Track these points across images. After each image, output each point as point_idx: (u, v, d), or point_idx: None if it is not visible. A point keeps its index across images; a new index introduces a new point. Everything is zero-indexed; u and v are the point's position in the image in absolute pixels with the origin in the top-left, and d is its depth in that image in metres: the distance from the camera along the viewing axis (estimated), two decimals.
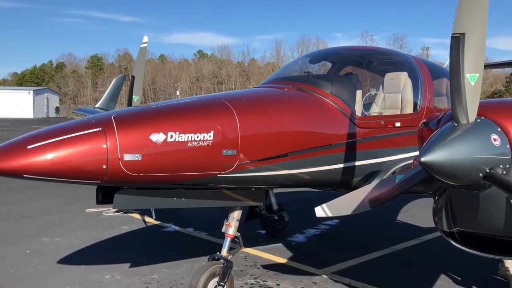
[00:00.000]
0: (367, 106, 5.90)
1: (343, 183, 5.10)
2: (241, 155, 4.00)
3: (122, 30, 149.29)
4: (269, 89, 5.08)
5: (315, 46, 76.65)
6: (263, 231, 7.64)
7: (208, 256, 4.93)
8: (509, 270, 4.81)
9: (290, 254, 6.60)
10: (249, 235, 7.30)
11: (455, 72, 2.97)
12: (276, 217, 7.39)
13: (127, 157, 3.49)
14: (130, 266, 5.90)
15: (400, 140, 5.38)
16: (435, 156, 2.80)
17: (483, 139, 2.94)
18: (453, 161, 2.82)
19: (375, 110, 5.85)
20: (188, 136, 3.71)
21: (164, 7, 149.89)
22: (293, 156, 4.40)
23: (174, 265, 5.97)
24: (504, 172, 2.97)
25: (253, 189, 4.72)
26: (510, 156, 2.99)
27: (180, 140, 3.68)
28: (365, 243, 7.17)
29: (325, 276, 5.65)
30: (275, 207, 7.38)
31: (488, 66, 15.28)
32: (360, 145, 5.00)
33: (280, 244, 7.05)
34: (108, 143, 3.44)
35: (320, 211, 3.98)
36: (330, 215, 3.96)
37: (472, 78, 2.97)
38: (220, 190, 4.45)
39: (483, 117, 3.08)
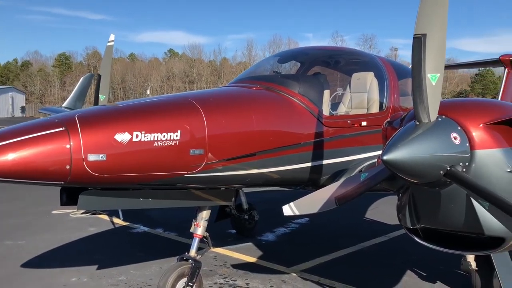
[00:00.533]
0: (334, 105, 5.97)
1: (311, 182, 5.15)
2: (208, 154, 3.98)
3: (90, 28, 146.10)
4: (237, 89, 5.08)
5: (287, 46, 76.94)
6: (234, 231, 7.64)
7: (177, 257, 4.89)
8: (471, 265, 4.95)
9: (260, 253, 6.62)
10: (219, 234, 7.29)
11: (416, 72, 3.03)
12: (246, 217, 7.40)
13: (91, 157, 3.43)
14: (98, 268, 5.80)
15: (366, 139, 5.46)
16: (397, 155, 2.86)
17: (444, 137, 3.02)
18: (415, 159, 2.88)
19: (342, 109, 5.92)
20: (154, 136, 3.67)
21: (134, 5, 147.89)
22: (261, 156, 4.42)
23: (143, 266, 5.90)
24: (464, 170, 3.05)
25: (222, 188, 4.71)
26: (469, 154, 3.08)
27: (146, 139, 3.64)
28: (334, 240, 7.27)
29: (294, 274, 5.69)
30: (245, 206, 7.40)
31: (454, 66, 15.83)
32: (327, 144, 5.05)
33: (250, 243, 7.06)
34: (71, 143, 3.37)
35: (288, 209, 4.00)
36: (297, 213, 3.99)
37: (433, 78, 3.04)
38: (188, 190, 4.42)
39: (444, 116, 3.15)
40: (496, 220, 3.02)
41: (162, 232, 7.68)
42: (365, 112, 5.74)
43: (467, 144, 3.07)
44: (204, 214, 4.76)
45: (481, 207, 3.08)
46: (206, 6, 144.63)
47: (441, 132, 3.03)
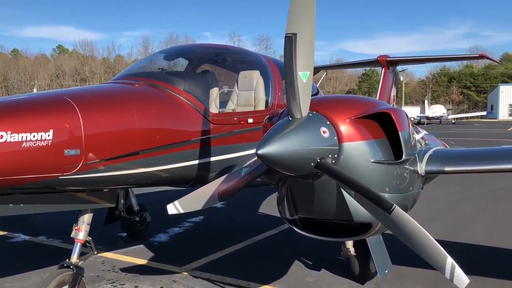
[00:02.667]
0: (223, 103, 6.04)
1: (199, 179, 5.14)
2: (86, 154, 3.79)
3: None
4: (118, 85, 4.91)
5: (184, 44, 76.20)
6: (124, 234, 7.39)
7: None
8: (349, 251, 5.31)
9: (151, 254, 6.48)
10: (109, 238, 7.03)
11: (289, 69, 3.16)
12: (137, 219, 7.19)
13: None
14: None
15: (253, 135, 5.57)
16: (270, 149, 2.96)
17: (314, 131, 3.19)
18: (287, 153, 3.00)
19: (230, 107, 6.00)
20: (22, 136, 3.41)
21: None
22: (145, 154, 4.31)
23: (21, 278, 5.46)
24: (333, 162, 3.26)
25: (104, 190, 4.53)
26: (338, 147, 3.29)
27: (12, 140, 3.36)
28: (227, 237, 7.35)
29: (185, 273, 5.65)
30: (136, 208, 7.20)
31: (338, 66, 17.03)
32: (214, 141, 5.09)
33: (141, 246, 6.88)
34: None
35: (172, 208, 3.98)
36: (182, 211, 3.98)
37: (304, 76, 3.20)
38: (66, 192, 4.18)
39: (314, 112, 3.33)
40: (362, 207, 3.25)
41: (45, 240, 7.19)
42: (252, 110, 5.87)
43: (335, 138, 3.28)
44: (86, 218, 4.54)
45: (349, 196, 3.30)
46: (99, 0, 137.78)
47: (312, 127, 3.20)
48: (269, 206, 9.56)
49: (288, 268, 5.85)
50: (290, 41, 3.13)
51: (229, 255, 6.41)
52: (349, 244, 5.31)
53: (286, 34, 3.15)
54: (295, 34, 3.13)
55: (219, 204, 9.57)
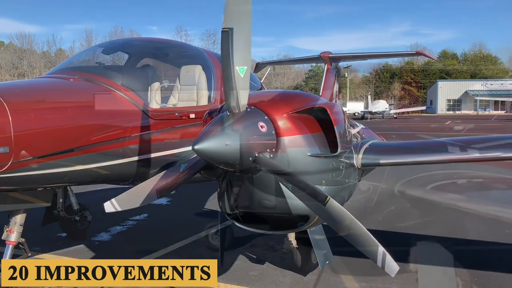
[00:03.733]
0: (165, 98, 5.94)
1: (139, 176, 5.03)
2: (16, 152, 3.62)
3: None
4: (51, 80, 4.72)
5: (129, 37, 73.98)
6: (64, 234, 7.13)
7: None
8: (292, 244, 5.40)
9: (92, 254, 6.30)
10: (47, 239, 6.77)
11: (226, 64, 3.16)
12: (77, 218, 6.97)
13: None
14: None
15: (196, 130, 5.52)
16: (207, 144, 2.96)
17: (252, 126, 3.22)
18: (225, 148, 3.01)
19: (172, 102, 5.91)
20: None
21: None
22: (80, 151, 4.18)
23: None
24: (271, 156, 3.30)
25: (38, 189, 4.35)
26: (276, 141, 3.34)
27: None
28: (172, 233, 7.27)
29: None
30: (76, 207, 6.98)
31: (284, 62, 17.35)
32: (154, 137, 5.00)
33: (82, 246, 6.67)
34: None
35: (110, 206, 3.89)
36: (119, 209, 3.90)
37: (241, 71, 3.21)
38: None
39: (252, 107, 3.36)
40: (300, 200, 3.32)
41: None
42: (195, 105, 5.81)
43: (273, 132, 3.33)
44: (18, 219, 4.35)
45: (287, 189, 3.36)
46: None
47: (249, 121, 3.23)
48: (215, 202, 9.52)
49: (233, 263, 5.87)
50: (226, 35, 3.13)
51: (173, 252, 6.34)
52: (292, 237, 5.39)
53: (222, 29, 3.14)
54: (231, 29, 3.14)
55: (164, 201, 9.46)
